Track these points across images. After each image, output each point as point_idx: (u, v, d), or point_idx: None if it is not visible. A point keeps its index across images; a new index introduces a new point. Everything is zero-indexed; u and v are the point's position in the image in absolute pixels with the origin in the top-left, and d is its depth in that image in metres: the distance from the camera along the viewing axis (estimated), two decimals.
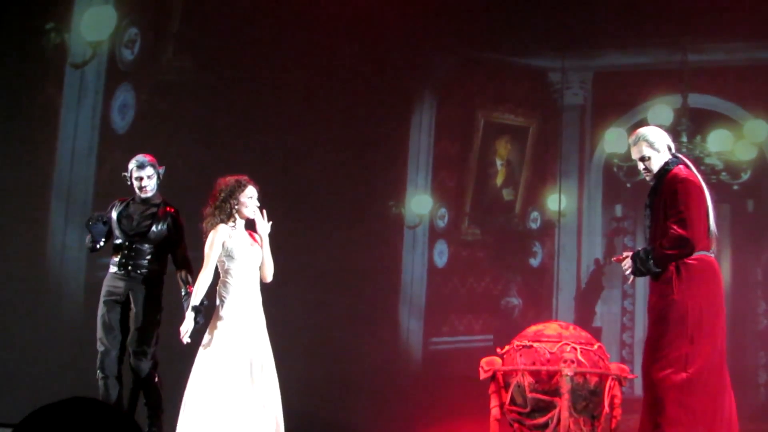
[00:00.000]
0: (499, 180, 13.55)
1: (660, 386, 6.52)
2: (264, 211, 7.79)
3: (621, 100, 13.19)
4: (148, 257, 8.35)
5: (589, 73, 13.83)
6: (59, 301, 12.54)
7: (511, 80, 13.54)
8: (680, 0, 12.16)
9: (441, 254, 13.14)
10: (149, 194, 8.59)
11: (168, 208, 8.44)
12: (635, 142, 6.73)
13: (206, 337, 7.43)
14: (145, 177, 8.55)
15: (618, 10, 12.58)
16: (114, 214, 8.56)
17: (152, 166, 8.65)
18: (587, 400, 8.55)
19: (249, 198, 7.69)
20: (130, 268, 8.35)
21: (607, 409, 8.43)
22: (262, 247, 7.64)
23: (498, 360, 8.79)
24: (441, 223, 13.21)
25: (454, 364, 11.99)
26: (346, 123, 12.46)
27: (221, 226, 7.52)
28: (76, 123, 12.81)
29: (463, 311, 13.06)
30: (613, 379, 8.48)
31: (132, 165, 8.62)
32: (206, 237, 7.56)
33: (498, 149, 13.55)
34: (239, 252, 7.50)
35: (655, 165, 6.66)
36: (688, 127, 11.57)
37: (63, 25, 13.14)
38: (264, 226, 7.68)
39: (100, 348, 8.38)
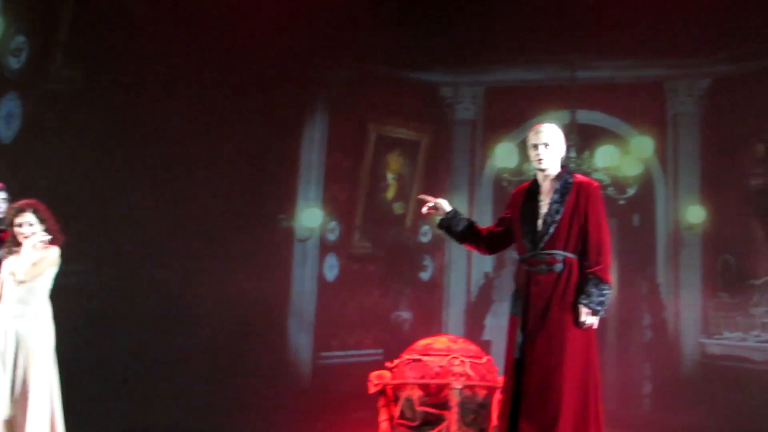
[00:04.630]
0: (391, 194, 13.58)
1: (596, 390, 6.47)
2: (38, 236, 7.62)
3: (511, 116, 13.26)
4: None
5: (480, 89, 13.92)
6: None
7: (403, 94, 13.55)
8: (570, 18, 12.22)
9: (331, 268, 13.08)
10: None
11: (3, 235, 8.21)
12: (541, 130, 6.71)
13: None
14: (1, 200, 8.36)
15: (509, 28, 12.63)
16: None
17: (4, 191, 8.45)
18: (476, 413, 8.52)
19: (20, 224, 7.62)
20: None
21: (495, 422, 8.40)
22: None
23: (387, 374, 8.71)
24: (332, 237, 13.15)
25: (343, 379, 11.88)
26: (237, 135, 12.27)
27: None
28: None
29: (354, 325, 13.03)
30: (501, 392, 8.44)
31: None
32: None
33: (389, 163, 13.57)
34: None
35: (553, 157, 6.60)
36: (577, 142, 11.59)
37: None
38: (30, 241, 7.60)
39: None
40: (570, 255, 6.46)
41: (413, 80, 13.58)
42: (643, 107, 13.33)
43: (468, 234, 6.90)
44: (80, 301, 10.61)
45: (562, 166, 6.68)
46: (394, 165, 13.58)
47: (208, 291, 11.52)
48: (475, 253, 7.33)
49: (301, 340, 12.76)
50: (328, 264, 13.08)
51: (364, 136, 13.39)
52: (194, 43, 11.98)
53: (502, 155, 12.05)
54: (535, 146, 6.64)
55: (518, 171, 11.61)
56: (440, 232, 7.04)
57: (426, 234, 13.50)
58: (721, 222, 12.88)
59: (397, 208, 13.56)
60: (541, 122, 6.73)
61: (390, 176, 13.59)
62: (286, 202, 12.84)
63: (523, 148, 10.51)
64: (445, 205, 6.90)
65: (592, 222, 6.48)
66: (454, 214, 6.88)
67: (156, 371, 11.05)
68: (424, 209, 6.98)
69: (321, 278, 13.04)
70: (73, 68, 12.11)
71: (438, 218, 6.95)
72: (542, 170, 6.64)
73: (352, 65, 13.16)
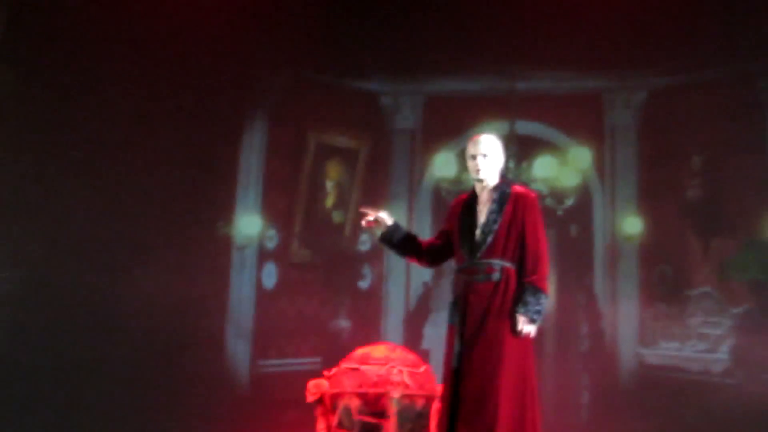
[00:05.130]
0: (330, 202, 13.55)
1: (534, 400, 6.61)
2: None
3: (450, 126, 13.27)
4: None
5: (420, 98, 13.91)
6: None
7: (344, 103, 13.52)
8: (509, 30, 12.26)
9: (270, 276, 12.98)
10: None
11: None
12: (479, 141, 6.81)
13: None
14: None
15: (449, 38, 12.63)
16: None
17: None
18: (414, 423, 8.49)
19: None
20: None
21: (433, 430, 8.38)
22: None
23: (325, 382, 8.68)
24: (270, 245, 13.05)
25: (281, 387, 11.81)
26: (176, 141, 12.11)
27: None
28: None
29: (292, 333, 12.94)
30: (439, 401, 8.42)
31: None
32: None
33: (329, 171, 13.54)
34: None
35: (491, 168, 6.72)
36: (515, 153, 11.67)
37: None
38: None
39: None
40: (507, 264, 6.56)
41: (353, 89, 13.56)
42: (581, 119, 13.39)
43: (409, 247, 7.01)
44: (7, 309, 10.46)
45: (501, 177, 6.78)
46: (334, 173, 13.56)
47: (144, 298, 11.35)
48: (414, 263, 7.36)
49: (238, 347, 12.63)
50: (267, 272, 13.00)
51: (304, 143, 13.33)
52: (131, 47, 11.83)
53: (441, 165, 12.07)
54: (474, 157, 6.74)
55: (457, 180, 11.62)
56: (382, 245, 7.09)
57: (365, 243, 13.47)
58: (658, 233, 13.01)
59: (336, 216, 13.55)
60: (480, 133, 6.82)
61: (329, 184, 13.56)
62: (225, 209, 12.72)
63: (462, 158, 10.55)
64: (386, 218, 6.97)
65: (529, 232, 6.59)
66: (396, 227, 6.97)
67: (88, 379, 10.89)
68: (365, 222, 7.00)
69: (259, 286, 12.92)
70: (5, 71, 11.95)
71: (379, 231, 6.98)
72: (480, 181, 6.75)
73: (292, 73, 13.09)
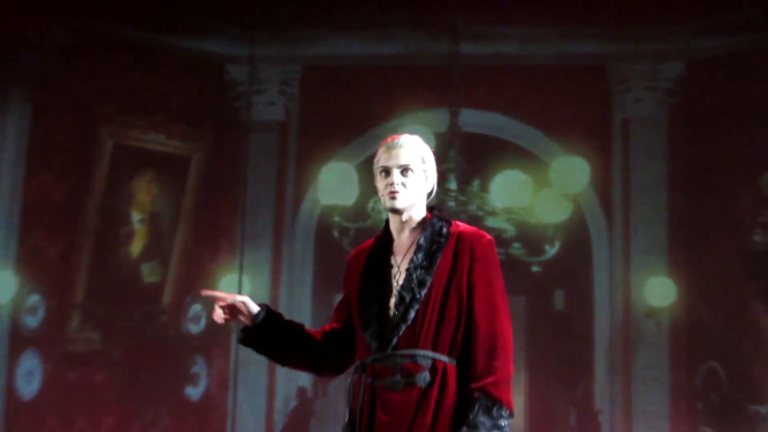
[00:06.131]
0: (137, 247, 13.52)
1: None
2: None
3: (348, 117, 13.27)
4: None
5: (296, 68, 13.86)
6: None
7: (163, 76, 13.50)
8: None
9: (30, 376, 12.90)
10: None
11: None
12: (397, 144, 6.67)
13: None
14: None
15: None
16: None
17: None
18: None
19: None
20: None
21: None
22: None
23: None
24: (32, 322, 12.95)
25: None
26: None
27: None
28: None
29: None
30: None
31: None
32: None
33: (136, 194, 13.49)
34: None
35: (416, 190, 6.45)
36: (459, 164, 11.55)
37: None
38: None
39: None
40: (443, 358, 6.31)
41: (179, 52, 13.62)
42: (572, 107, 13.47)
43: (295, 347, 6.73)
44: None
45: (431, 208, 6.54)
46: (145, 198, 13.58)
47: None
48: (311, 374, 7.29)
49: None
50: (24, 368, 12.95)
51: (94, 146, 13.31)
52: None
53: (332, 184, 12.01)
54: (386, 171, 6.39)
55: (359, 212, 11.55)
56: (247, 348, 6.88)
57: (197, 319, 13.46)
58: (703, 306, 13.09)
59: (148, 272, 13.51)
60: (399, 131, 6.43)
61: (137, 217, 13.56)
62: None
63: (366, 171, 10.54)
64: (250, 303, 6.75)
65: (480, 301, 6.37)
66: (267, 316, 6.62)
67: None
68: (217, 315, 6.81)
69: (11, 394, 12.85)
70: None
71: (239, 327, 6.81)
72: (397, 212, 6.46)
73: (73, 25, 13.05)
